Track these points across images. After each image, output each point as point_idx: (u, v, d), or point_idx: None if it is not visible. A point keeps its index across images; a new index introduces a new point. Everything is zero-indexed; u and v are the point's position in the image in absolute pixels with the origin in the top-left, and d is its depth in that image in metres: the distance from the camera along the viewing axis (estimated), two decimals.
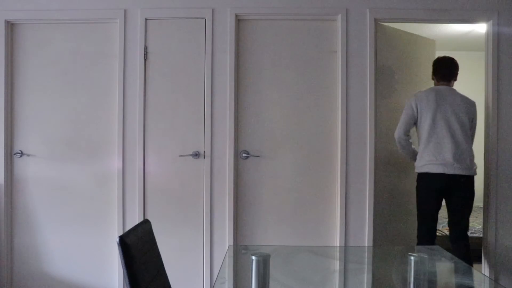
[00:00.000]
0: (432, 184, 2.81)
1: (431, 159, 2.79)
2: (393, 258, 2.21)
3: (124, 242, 1.41)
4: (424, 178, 2.85)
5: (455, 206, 2.85)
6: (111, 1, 3.04)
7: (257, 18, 3.03)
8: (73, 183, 3.09)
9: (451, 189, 2.80)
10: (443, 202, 2.94)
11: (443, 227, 4.40)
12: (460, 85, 6.02)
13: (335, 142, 3.03)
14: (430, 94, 2.84)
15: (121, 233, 1.46)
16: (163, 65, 3.02)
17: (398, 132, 2.92)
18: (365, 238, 3.00)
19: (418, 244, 2.95)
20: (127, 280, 1.40)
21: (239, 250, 2.30)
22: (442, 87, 2.89)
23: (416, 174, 2.92)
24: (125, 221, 3.03)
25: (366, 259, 2.18)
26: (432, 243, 2.91)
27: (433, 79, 3.04)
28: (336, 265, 2.05)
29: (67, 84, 3.09)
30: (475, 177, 2.85)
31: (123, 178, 3.03)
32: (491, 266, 2.99)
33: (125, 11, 3.03)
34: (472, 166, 2.79)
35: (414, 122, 2.89)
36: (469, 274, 1.78)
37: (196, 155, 3.01)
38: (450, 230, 2.92)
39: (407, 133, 2.91)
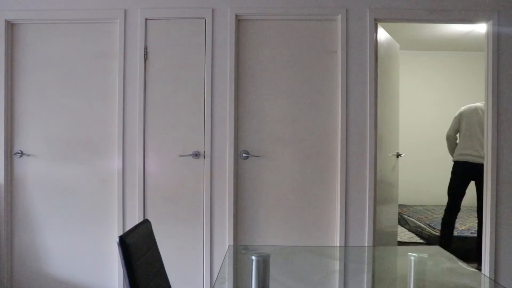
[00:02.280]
0: (459, 169, 3.92)
1: (461, 152, 3.89)
2: (393, 258, 2.21)
3: (124, 242, 1.41)
4: (455, 165, 3.96)
5: (478, 186, 3.79)
6: (111, 1, 3.04)
7: (257, 18, 3.03)
8: (73, 183, 3.09)
9: (475, 173, 3.79)
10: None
11: None
12: (460, 85, 6.05)
13: (335, 142, 3.02)
14: (467, 108, 3.97)
15: (121, 233, 1.46)
16: (163, 65, 3.02)
17: (449, 132, 4.06)
18: (365, 238, 3.00)
19: (444, 215, 3.97)
20: (127, 280, 1.40)
21: (239, 250, 2.30)
22: (474, 104, 3.95)
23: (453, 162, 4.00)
24: (125, 221, 3.03)
25: (366, 259, 2.18)
26: (455, 214, 3.91)
27: None
28: (336, 265, 2.05)
29: (67, 84, 3.09)
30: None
31: (123, 178, 3.03)
32: (491, 266, 2.99)
33: (125, 11, 3.03)
34: None
35: (459, 126, 4.01)
36: (469, 274, 1.78)
37: (196, 155, 3.01)
38: (477, 202, 3.85)
39: (455, 134, 4.04)
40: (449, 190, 3.99)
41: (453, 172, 3.99)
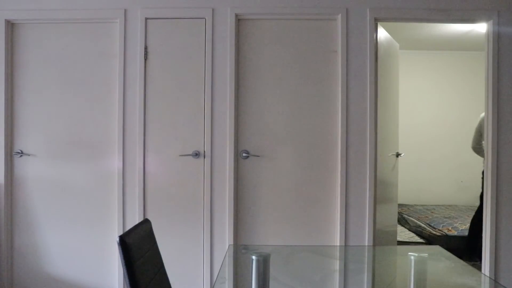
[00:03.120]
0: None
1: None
2: (393, 258, 2.21)
3: (124, 242, 1.41)
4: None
5: None
6: (111, 1, 3.03)
7: (257, 18, 3.02)
8: (73, 183, 3.09)
9: None
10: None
11: (443, 227, 4.40)
12: (460, 85, 6.05)
13: (335, 142, 3.02)
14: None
15: (121, 233, 1.46)
16: (163, 65, 3.02)
17: (472, 143, 3.99)
18: (365, 238, 3.00)
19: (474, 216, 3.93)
20: (127, 280, 1.40)
21: (239, 250, 2.31)
22: None
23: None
24: (125, 221, 3.03)
25: (366, 259, 2.19)
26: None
27: None
28: (336, 265, 2.06)
29: (67, 84, 3.09)
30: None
31: (123, 178, 3.03)
32: (491, 266, 2.99)
33: (125, 11, 3.02)
34: None
35: (481, 135, 3.85)
36: (469, 274, 1.78)
37: (196, 155, 3.01)
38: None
39: (478, 143, 3.92)
40: (481, 194, 3.87)
41: (482, 178, 3.95)
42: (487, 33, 3.05)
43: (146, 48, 3.01)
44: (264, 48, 3.03)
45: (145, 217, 3.03)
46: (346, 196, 2.99)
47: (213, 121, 3.01)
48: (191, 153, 3.01)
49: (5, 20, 3.04)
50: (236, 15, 2.99)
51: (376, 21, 3.02)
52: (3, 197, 3.05)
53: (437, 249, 2.12)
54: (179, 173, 3.02)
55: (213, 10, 3.00)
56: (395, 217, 3.80)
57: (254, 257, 1.32)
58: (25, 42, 3.10)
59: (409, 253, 1.44)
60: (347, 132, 3.00)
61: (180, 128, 3.02)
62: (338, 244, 2.99)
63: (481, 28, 4.65)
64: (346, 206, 2.99)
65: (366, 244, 2.98)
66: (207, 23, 3.00)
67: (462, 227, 4.34)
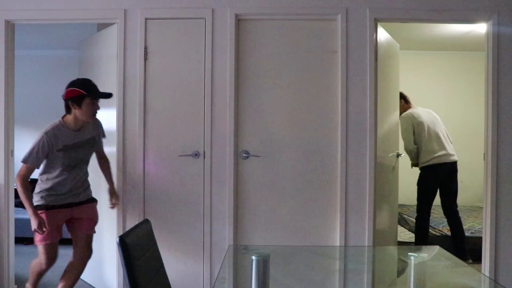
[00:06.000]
0: (438, 172, 3.80)
1: (435, 154, 3.77)
2: (393, 258, 2.21)
3: (124, 242, 1.41)
4: (431, 169, 3.80)
5: (452, 186, 3.88)
6: (111, 1, 3.03)
7: (257, 18, 3.02)
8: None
9: (450, 174, 3.82)
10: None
11: (443, 227, 4.40)
12: (461, 86, 6.04)
13: (335, 142, 3.02)
14: (417, 114, 3.91)
15: (121, 233, 1.46)
16: (163, 65, 3.02)
17: (410, 145, 3.88)
18: (365, 238, 2.99)
19: (418, 224, 3.94)
20: (127, 280, 1.40)
21: (239, 250, 2.31)
22: (419, 108, 4.00)
23: (421, 168, 3.87)
24: (125, 221, 3.03)
25: (366, 259, 2.19)
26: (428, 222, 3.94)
27: (403, 104, 4.02)
28: (336, 265, 2.06)
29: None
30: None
31: (123, 178, 3.02)
32: (491, 266, 2.99)
33: (125, 11, 3.02)
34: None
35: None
36: (469, 274, 1.78)
37: (196, 155, 3.01)
38: (445, 206, 3.95)
39: (414, 143, 3.89)
40: (427, 198, 3.91)
41: (428, 178, 3.88)
42: (487, 34, 3.05)
43: (146, 48, 3.01)
44: (264, 48, 3.03)
45: (145, 217, 3.03)
46: (346, 196, 2.99)
47: (213, 121, 3.00)
48: (191, 153, 3.01)
49: (5, 20, 3.03)
50: (236, 15, 2.99)
51: (376, 21, 3.02)
52: (3, 197, 3.04)
53: (437, 249, 2.12)
54: (179, 173, 3.02)
55: (213, 10, 3.00)
56: (395, 217, 3.80)
57: (254, 258, 1.32)
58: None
59: (409, 254, 1.44)
60: (347, 132, 2.99)
61: (180, 128, 3.02)
62: (338, 244, 2.98)
63: (481, 28, 4.65)
64: (346, 206, 2.99)
65: (366, 245, 2.98)
66: (207, 23, 3.00)
67: None
